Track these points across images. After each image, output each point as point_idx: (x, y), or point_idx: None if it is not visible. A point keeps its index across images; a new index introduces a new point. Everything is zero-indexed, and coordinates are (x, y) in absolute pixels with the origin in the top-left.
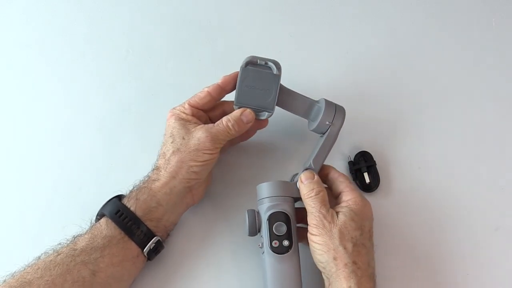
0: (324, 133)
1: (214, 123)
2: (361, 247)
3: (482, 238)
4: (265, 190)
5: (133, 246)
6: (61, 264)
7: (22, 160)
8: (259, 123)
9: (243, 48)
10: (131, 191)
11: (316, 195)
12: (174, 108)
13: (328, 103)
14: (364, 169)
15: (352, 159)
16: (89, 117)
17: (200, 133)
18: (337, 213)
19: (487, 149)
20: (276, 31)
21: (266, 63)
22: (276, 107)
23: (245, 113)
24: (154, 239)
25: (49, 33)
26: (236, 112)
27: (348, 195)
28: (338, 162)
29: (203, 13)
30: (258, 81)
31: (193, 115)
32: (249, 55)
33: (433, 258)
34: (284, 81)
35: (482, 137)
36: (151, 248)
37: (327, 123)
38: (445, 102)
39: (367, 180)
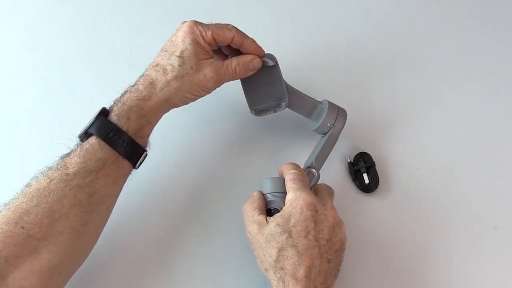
0: (325, 134)
1: (223, 58)
2: (289, 251)
3: (480, 238)
4: (264, 186)
5: (126, 165)
6: (55, 190)
7: (25, 161)
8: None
9: None
10: (117, 106)
11: (250, 202)
12: (196, 26)
13: (331, 105)
14: (364, 170)
15: (352, 160)
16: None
17: (208, 71)
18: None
19: (485, 150)
20: (276, 33)
21: None
22: None
23: (254, 61)
24: (144, 154)
25: (52, 36)
26: (246, 57)
27: (287, 197)
28: (337, 163)
29: (204, 15)
30: (261, 79)
31: (210, 44)
32: None
33: (432, 258)
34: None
35: (480, 138)
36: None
37: (329, 124)
38: (444, 103)
39: (367, 181)
